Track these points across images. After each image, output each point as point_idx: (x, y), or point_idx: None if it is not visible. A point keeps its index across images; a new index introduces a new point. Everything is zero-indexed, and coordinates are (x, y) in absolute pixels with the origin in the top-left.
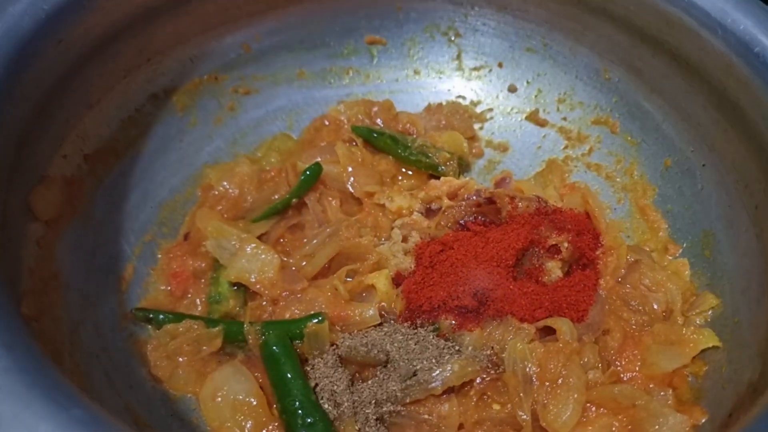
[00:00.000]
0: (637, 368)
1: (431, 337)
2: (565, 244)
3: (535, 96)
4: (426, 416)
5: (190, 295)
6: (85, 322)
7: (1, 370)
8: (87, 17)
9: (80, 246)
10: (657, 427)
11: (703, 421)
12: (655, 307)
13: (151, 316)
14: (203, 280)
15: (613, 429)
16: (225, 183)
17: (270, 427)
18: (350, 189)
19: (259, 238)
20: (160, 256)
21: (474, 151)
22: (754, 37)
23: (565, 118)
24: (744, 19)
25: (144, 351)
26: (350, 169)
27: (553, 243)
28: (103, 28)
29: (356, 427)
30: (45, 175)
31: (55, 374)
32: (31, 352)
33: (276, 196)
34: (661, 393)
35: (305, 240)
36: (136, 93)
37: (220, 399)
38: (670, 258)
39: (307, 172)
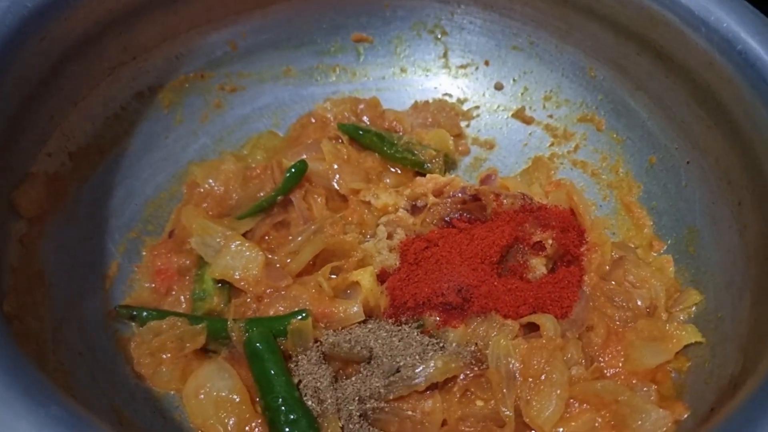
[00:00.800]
0: (621, 364)
1: (415, 333)
2: (550, 241)
3: (522, 93)
4: (409, 412)
5: (174, 293)
6: (69, 320)
7: None
8: (71, 14)
9: (64, 244)
10: (639, 422)
11: (686, 416)
12: (639, 303)
13: (134, 313)
14: (188, 278)
15: (596, 424)
16: (210, 180)
17: (253, 424)
18: (336, 186)
19: (244, 235)
20: (144, 253)
21: (460, 148)
22: (737, 35)
23: (551, 116)
24: (727, 17)
25: (128, 348)
26: (336, 166)
27: (538, 240)
28: (87, 25)
29: (339, 424)
30: (29, 172)
31: (34, 372)
32: (9, 350)
33: (261, 194)
34: (644, 388)
35: (290, 237)
36: (122, 90)
37: (203, 396)
38: (655, 254)
39: (293, 170)
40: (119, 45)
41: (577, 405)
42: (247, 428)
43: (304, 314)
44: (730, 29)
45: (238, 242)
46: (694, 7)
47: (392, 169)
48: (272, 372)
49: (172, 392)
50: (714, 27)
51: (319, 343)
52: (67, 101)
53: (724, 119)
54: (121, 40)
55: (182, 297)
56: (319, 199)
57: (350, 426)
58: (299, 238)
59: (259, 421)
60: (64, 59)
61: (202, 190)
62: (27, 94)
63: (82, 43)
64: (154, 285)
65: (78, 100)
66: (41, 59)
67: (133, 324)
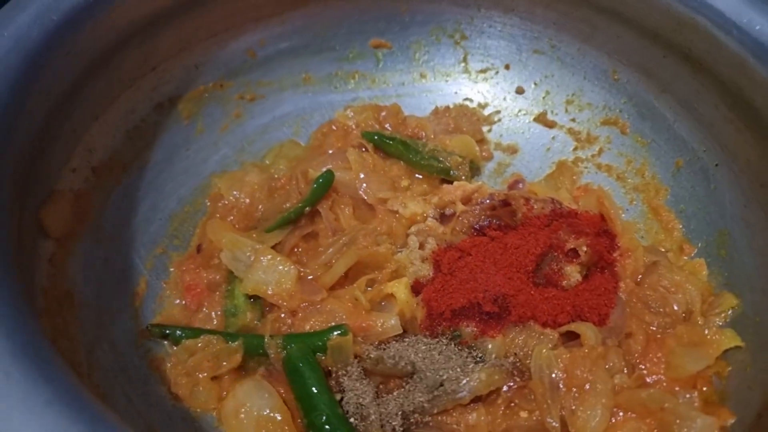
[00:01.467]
0: (662, 371)
1: (453, 345)
2: (584, 248)
3: (543, 97)
4: (454, 426)
5: (205, 309)
6: (101, 340)
7: (43, 404)
8: (96, 26)
9: (91, 262)
10: (685, 430)
11: (731, 422)
12: (676, 308)
13: (167, 332)
14: (218, 293)
15: None
16: (235, 192)
17: None
18: (363, 196)
19: (273, 248)
20: (172, 269)
21: (483, 154)
22: None
23: (573, 120)
24: (760, 18)
25: (162, 368)
26: (362, 175)
27: (572, 247)
28: (110, 36)
29: None
30: (54, 190)
31: (97, 407)
32: (71, 382)
33: (287, 205)
34: (687, 395)
35: (320, 249)
36: (142, 102)
37: (243, 416)
38: (686, 258)
39: (320, 180)
40: (140, 55)
41: (621, 414)
42: None
43: (342, 329)
44: (763, 31)
45: (269, 256)
46: (725, 9)
47: (417, 176)
48: (314, 390)
49: (210, 412)
50: (746, 30)
51: (358, 359)
52: (88, 115)
53: (756, 123)
54: (142, 50)
55: (213, 313)
56: (346, 210)
57: None
58: (330, 250)
59: None
60: (87, 72)
61: (226, 202)
62: (51, 109)
63: (105, 55)
64: (184, 302)
65: (99, 113)
66: (66, 73)
67: (166, 343)
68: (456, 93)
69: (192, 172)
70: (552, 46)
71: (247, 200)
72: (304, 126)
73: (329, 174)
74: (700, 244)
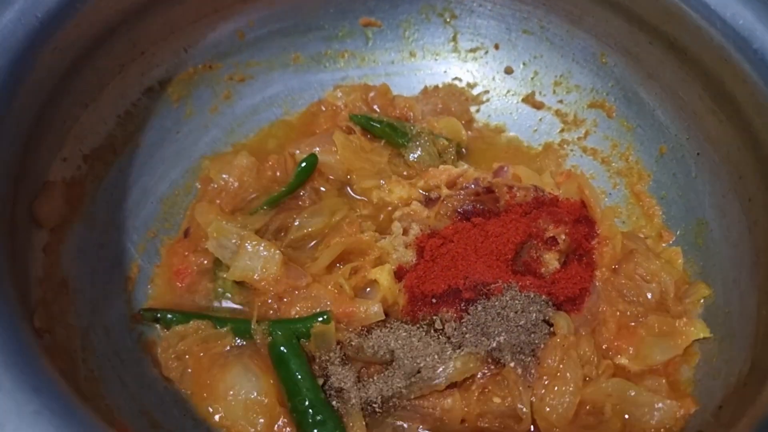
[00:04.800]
0: (631, 360)
1: (432, 332)
2: (563, 236)
3: (532, 78)
4: (430, 410)
5: (195, 292)
6: (96, 326)
7: (32, 413)
8: (81, 19)
9: (85, 249)
10: (647, 410)
11: (694, 410)
12: (650, 296)
13: (158, 315)
14: (207, 277)
15: (607, 416)
16: (224, 175)
17: (281, 423)
18: (349, 188)
19: (258, 231)
20: (163, 252)
21: (470, 134)
22: (753, 32)
23: (561, 101)
24: (744, 12)
25: (154, 352)
26: (349, 160)
27: (551, 235)
28: (97, 27)
29: (364, 422)
30: (47, 180)
31: (86, 416)
32: (59, 391)
33: (276, 186)
34: (655, 383)
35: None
36: (131, 87)
37: (231, 398)
38: (664, 245)
39: (303, 164)
40: (128, 41)
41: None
42: (275, 427)
43: (325, 316)
44: (747, 26)
45: (254, 242)
46: (710, 1)
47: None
48: (297, 375)
49: (200, 394)
50: (730, 23)
51: (341, 345)
52: (78, 104)
53: (737, 115)
54: (130, 36)
55: (204, 296)
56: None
57: (374, 422)
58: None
59: (286, 420)
60: (74, 63)
61: (216, 185)
62: (41, 104)
63: (92, 46)
64: (174, 285)
65: (89, 101)
66: (54, 67)
67: (158, 326)
68: (445, 72)
69: (183, 155)
70: (541, 27)
71: (236, 183)
72: (294, 106)
73: (312, 158)
74: (678, 232)
